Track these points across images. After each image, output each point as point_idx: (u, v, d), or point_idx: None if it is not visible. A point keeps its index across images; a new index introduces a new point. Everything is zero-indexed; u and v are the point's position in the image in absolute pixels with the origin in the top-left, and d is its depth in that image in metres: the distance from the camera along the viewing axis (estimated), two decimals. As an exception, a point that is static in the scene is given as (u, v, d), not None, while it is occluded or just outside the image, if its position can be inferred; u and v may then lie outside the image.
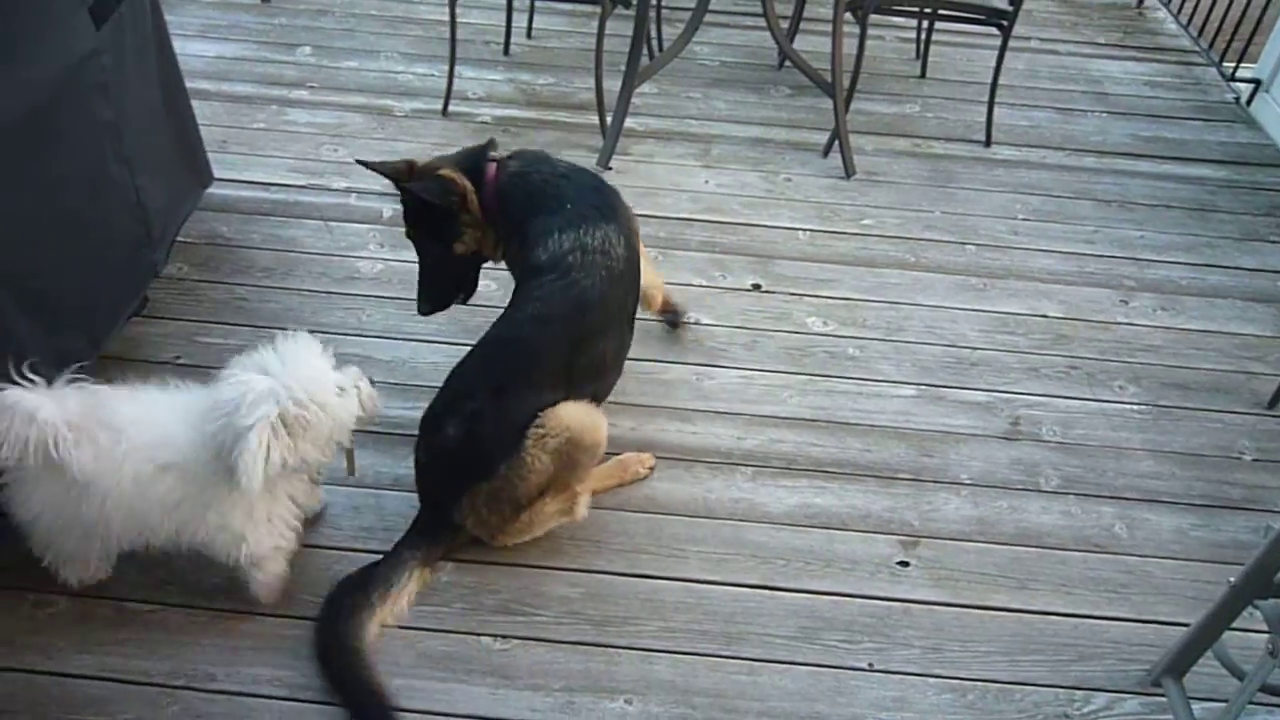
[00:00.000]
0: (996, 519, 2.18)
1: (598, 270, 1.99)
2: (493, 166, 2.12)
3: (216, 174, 2.87)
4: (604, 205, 2.10)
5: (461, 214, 2.10)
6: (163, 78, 2.48)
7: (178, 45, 2.57)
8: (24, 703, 1.74)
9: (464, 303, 2.31)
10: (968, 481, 2.26)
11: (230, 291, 2.63)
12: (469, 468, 1.92)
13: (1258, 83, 3.81)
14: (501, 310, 2.52)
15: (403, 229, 2.63)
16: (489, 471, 1.89)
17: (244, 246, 2.78)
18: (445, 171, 2.10)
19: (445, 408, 1.98)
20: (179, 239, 2.66)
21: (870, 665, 1.89)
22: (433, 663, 1.84)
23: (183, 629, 1.87)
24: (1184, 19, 4.36)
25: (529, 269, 2.03)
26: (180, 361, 2.41)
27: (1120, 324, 2.77)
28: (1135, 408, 2.50)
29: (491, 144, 2.19)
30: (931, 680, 1.87)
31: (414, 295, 2.44)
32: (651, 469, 2.20)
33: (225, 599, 1.91)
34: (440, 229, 2.13)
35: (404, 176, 2.12)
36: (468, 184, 2.09)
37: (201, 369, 2.38)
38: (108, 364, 2.35)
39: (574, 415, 1.92)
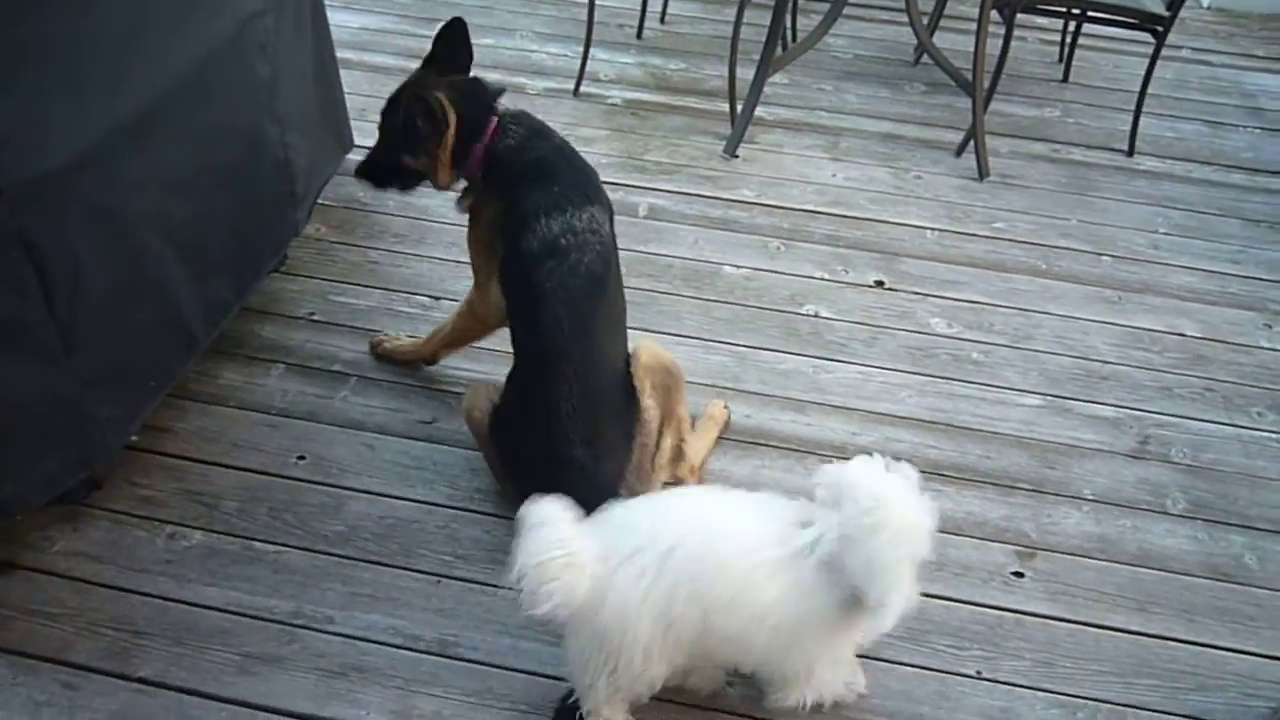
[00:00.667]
0: (1119, 537, 2.11)
1: (592, 246, 1.93)
2: (493, 122, 2.02)
3: (357, 141, 2.96)
4: (589, 186, 2.05)
5: (428, 142, 2.03)
6: (315, 43, 2.57)
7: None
8: (158, 626, 1.84)
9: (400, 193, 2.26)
10: (1090, 497, 2.19)
11: (364, 254, 2.72)
12: (602, 458, 1.86)
13: None
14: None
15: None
16: (624, 448, 1.91)
17: (379, 212, 2.87)
18: (441, 97, 2.01)
19: (556, 455, 1.85)
20: (319, 201, 2.76)
21: (978, 673, 1.85)
22: (541, 625, 1.84)
23: (305, 571, 1.95)
24: (1352, 33, 4.11)
25: (522, 257, 1.92)
26: (314, 318, 2.51)
27: (1263, 348, 2.63)
28: (1274, 435, 2.38)
29: (500, 91, 2.13)
30: (1040, 694, 1.83)
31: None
32: (726, 408, 2.27)
33: (346, 545, 1.99)
34: (401, 137, 2.06)
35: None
36: (452, 124, 2.00)
37: (333, 326, 2.49)
38: (248, 315, 2.47)
39: (647, 349, 2.01)
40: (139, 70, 1.85)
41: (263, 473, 2.13)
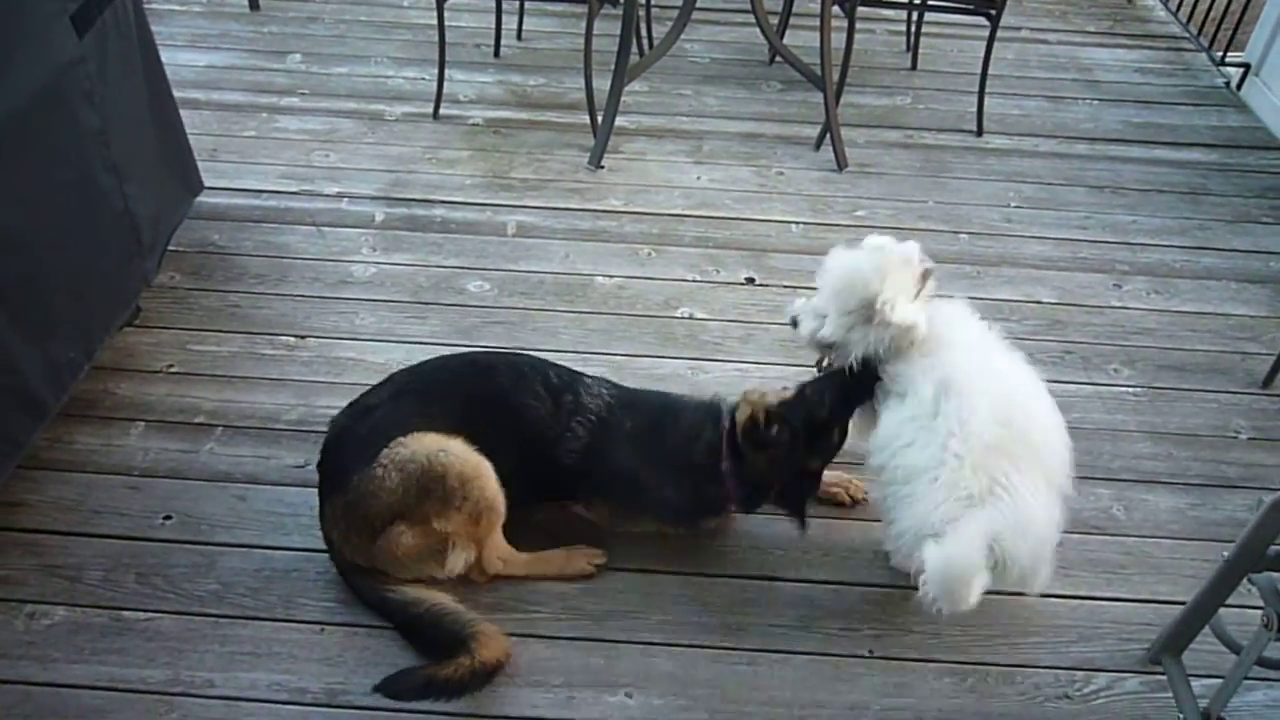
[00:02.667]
0: (994, 504, 2.17)
1: None
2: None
3: (208, 182, 2.88)
4: None
5: None
6: (150, 86, 2.48)
7: (167, 55, 2.58)
8: (20, 715, 1.74)
9: None
10: (965, 468, 2.25)
11: (223, 299, 2.63)
12: (330, 478, 1.90)
13: (1247, 67, 3.81)
14: (489, 309, 2.54)
15: (393, 232, 2.64)
16: (344, 483, 1.84)
17: (236, 254, 2.78)
18: None
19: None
20: (171, 247, 2.66)
21: (870, 652, 1.88)
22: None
23: (179, 636, 1.86)
24: (1173, 5, 4.37)
25: None
26: (173, 370, 2.41)
27: (1114, 308, 2.76)
28: (1131, 390, 2.50)
29: None
30: (931, 665, 1.87)
31: (407, 298, 2.48)
32: (599, 567, 1.99)
33: (221, 604, 1.91)
34: None
35: None
36: None
37: (193, 376, 2.39)
38: (101, 373, 2.36)
39: (435, 442, 1.83)
40: (-54, 129, 1.75)
41: (127, 538, 2.03)
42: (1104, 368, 2.56)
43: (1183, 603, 1.82)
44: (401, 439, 1.84)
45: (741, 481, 1.92)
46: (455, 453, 1.83)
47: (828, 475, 2.08)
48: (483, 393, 1.98)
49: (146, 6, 3.97)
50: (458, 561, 1.87)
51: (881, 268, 1.86)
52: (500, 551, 1.94)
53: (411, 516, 1.82)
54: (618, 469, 1.94)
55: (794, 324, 2.04)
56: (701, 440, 1.94)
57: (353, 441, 1.89)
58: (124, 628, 1.87)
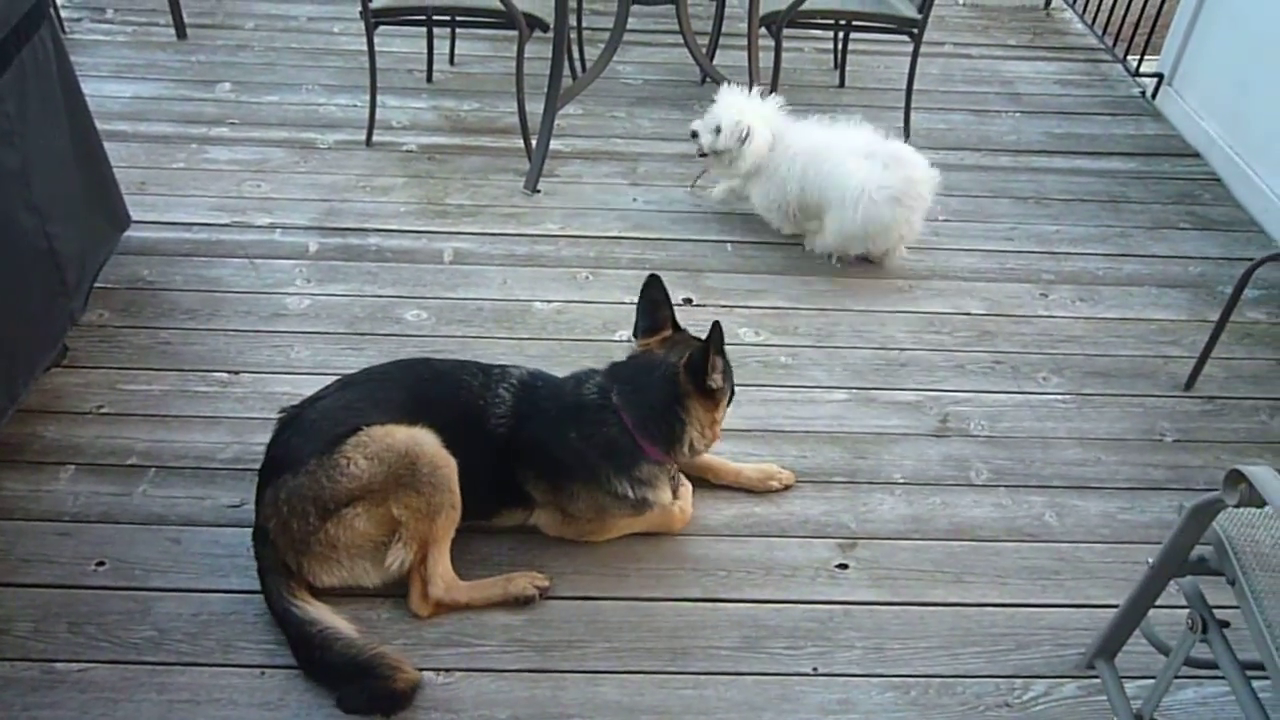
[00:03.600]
0: (930, 515, 2.22)
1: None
2: None
3: (136, 216, 2.83)
4: None
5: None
6: (72, 122, 2.44)
7: (92, 86, 2.54)
8: (-50, 776, 1.68)
9: None
10: (901, 481, 2.30)
11: (154, 336, 2.58)
12: (278, 461, 1.93)
13: (1160, 76, 3.94)
14: (427, 339, 2.53)
15: (328, 262, 2.63)
16: (296, 463, 1.87)
17: (167, 289, 2.73)
18: None
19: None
20: (97, 285, 2.61)
21: (814, 670, 1.90)
22: (376, 700, 1.81)
23: (115, 686, 1.82)
24: (1089, 18, 4.51)
25: None
26: (103, 411, 2.36)
27: (1041, 317, 2.84)
28: (1059, 397, 2.57)
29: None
30: (875, 680, 1.90)
31: (343, 329, 2.48)
32: (542, 590, 1.98)
33: (158, 651, 1.87)
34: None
35: None
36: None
37: (124, 417, 2.35)
38: (27, 416, 2.30)
39: (407, 432, 1.90)
40: None
41: (58, 586, 1.98)
42: (1033, 376, 2.63)
43: (1115, 606, 1.87)
44: (368, 430, 1.88)
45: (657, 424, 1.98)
46: (428, 443, 1.91)
47: (755, 472, 2.23)
48: (424, 374, 2.10)
49: (69, 36, 3.94)
50: (396, 558, 1.89)
51: (751, 106, 2.96)
52: (445, 573, 1.93)
53: (370, 499, 1.86)
54: (537, 428, 1.99)
55: (694, 135, 3.00)
56: (591, 380, 2.04)
57: (302, 427, 1.95)
58: (56, 680, 1.82)
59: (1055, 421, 2.49)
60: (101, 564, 2.03)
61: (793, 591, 2.04)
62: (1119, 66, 4.21)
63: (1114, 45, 4.27)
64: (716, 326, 1.91)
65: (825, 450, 2.36)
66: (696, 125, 2.98)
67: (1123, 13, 4.20)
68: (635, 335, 2.13)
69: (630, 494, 1.99)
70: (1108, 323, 2.83)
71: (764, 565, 2.09)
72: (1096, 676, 1.88)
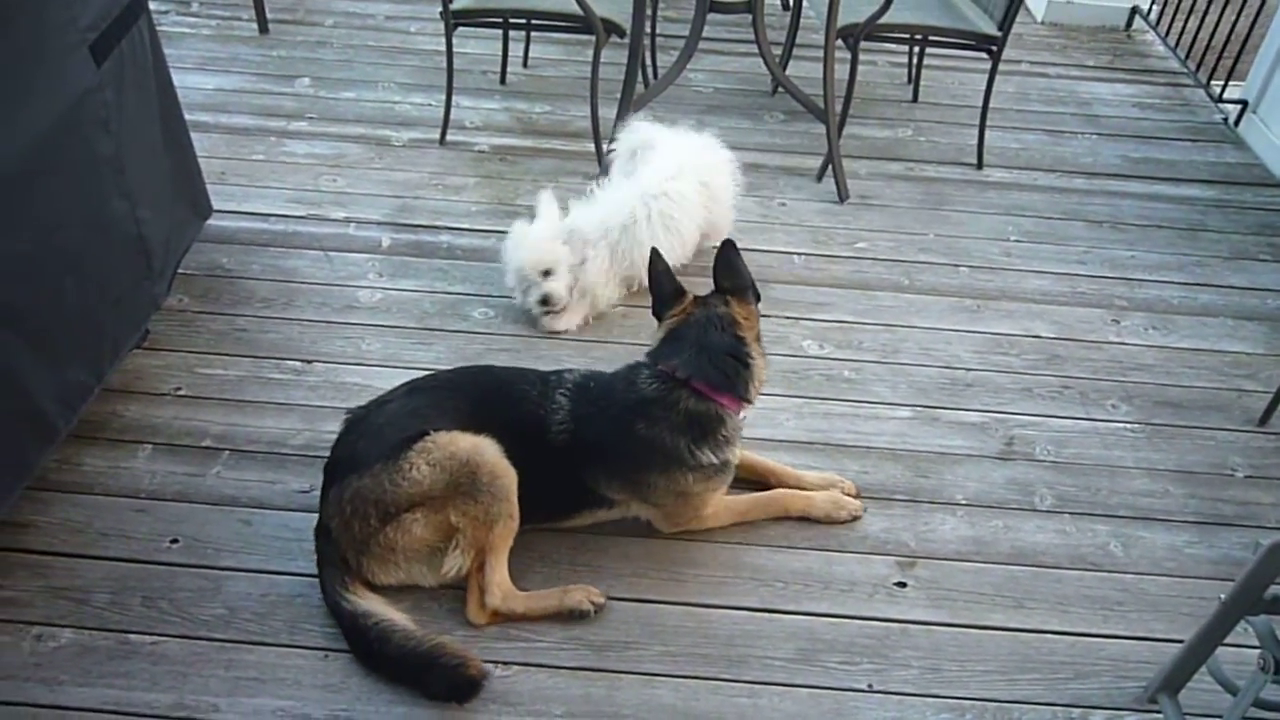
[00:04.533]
0: (992, 539, 2.20)
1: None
2: None
3: (216, 206, 2.90)
4: None
5: None
6: (163, 112, 2.51)
7: (177, 78, 2.60)
8: (27, 737, 1.75)
9: None
10: (963, 502, 2.28)
11: (230, 323, 2.65)
12: (344, 462, 1.98)
13: (1244, 103, 3.86)
14: (493, 336, 2.56)
15: (400, 258, 2.68)
16: (362, 466, 1.93)
17: (244, 277, 2.81)
18: None
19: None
20: (179, 271, 2.69)
21: (869, 686, 1.90)
22: (434, 690, 1.84)
23: (185, 660, 1.87)
24: (1172, 41, 4.42)
25: None
26: (181, 393, 2.43)
27: (1112, 343, 2.79)
28: (1128, 426, 2.52)
29: None
30: (930, 700, 1.88)
31: (413, 324, 2.53)
32: (597, 606, 1.98)
33: (226, 629, 1.92)
34: None
35: None
36: None
37: (201, 400, 2.42)
38: (110, 396, 2.38)
39: (471, 440, 1.93)
40: (-35, 157, 1.78)
41: (134, 560, 2.05)
42: (1102, 403, 2.58)
43: (1180, 641, 1.84)
44: (433, 436, 1.93)
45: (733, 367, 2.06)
46: (489, 453, 1.94)
47: (818, 479, 2.27)
48: (487, 384, 2.14)
49: (158, 29, 4.05)
50: (453, 565, 1.93)
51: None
52: (502, 582, 1.96)
53: (430, 505, 1.90)
54: (599, 428, 2.03)
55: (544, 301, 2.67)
56: (641, 371, 2.08)
57: (369, 430, 2.00)
58: (130, 651, 1.88)
59: (1123, 450, 2.45)
60: (175, 541, 2.09)
61: (850, 607, 2.04)
62: (1201, 91, 4.13)
63: (1197, 70, 4.18)
64: (730, 245, 2.15)
65: (887, 467, 2.35)
66: (549, 288, 2.64)
67: (1207, 37, 4.12)
68: (659, 313, 2.19)
69: (715, 459, 2.03)
70: (1181, 353, 2.77)
71: (822, 579, 2.09)
72: (1159, 711, 1.85)
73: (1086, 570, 2.15)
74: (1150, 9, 4.66)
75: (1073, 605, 2.07)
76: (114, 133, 2.22)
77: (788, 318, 2.79)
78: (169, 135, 2.56)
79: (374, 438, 1.97)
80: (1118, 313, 2.91)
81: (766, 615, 2.01)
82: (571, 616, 1.98)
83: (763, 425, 2.43)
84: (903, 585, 2.09)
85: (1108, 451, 2.45)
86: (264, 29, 4.10)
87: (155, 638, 1.91)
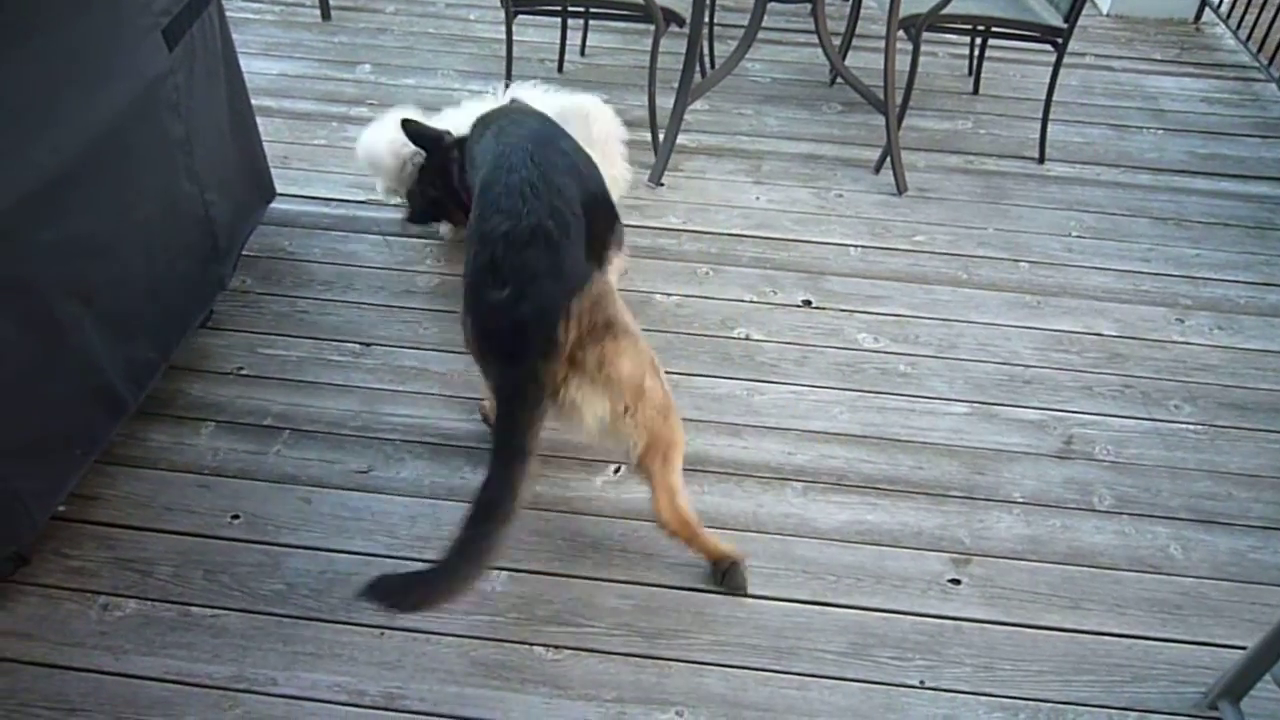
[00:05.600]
0: (1049, 538, 2.17)
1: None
2: None
3: (279, 189, 2.95)
4: None
5: None
6: (230, 96, 2.56)
7: (243, 63, 2.65)
8: (94, 702, 1.80)
9: None
10: (1020, 500, 2.25)
11: (291, 304, 2.70)
12: (572, 273, 1.74)
13: (1320, 98, 3.74)
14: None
15: (457, 243, 2.72)
16: (586, 275, 1.75)
17: (305, 260, 2.85)
18: None
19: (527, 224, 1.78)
20: (244, 253, 2.74)
21: (921, 683, 1.89)
22: (486, 670, 1.87)
23: (244, 634, 1.92)
24: (1243, 34, 4.30)
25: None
26: (243, 372, 2.48)
27: (1176, 343, 2.73)
28: (1191, 427, 2.47)
29: None
30: (983, 699, 1.87)
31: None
32: (737, 572, 2.01)
33: (285, 604, 1.97)
34: None
35: None
36: None
37: (262, 379, 2.46)
38: (175, 374, 2.43)
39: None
40: (47, 137, 1.82)
41: (197, 535, 2.10)
42: (1164, 403, 2.53)
43: (1242, 647, 1.81)
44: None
45: None
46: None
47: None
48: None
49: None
50: (630, 433, 1.80)
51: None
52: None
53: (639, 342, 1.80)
54: None
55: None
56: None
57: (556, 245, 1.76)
58: (192, 623, 1.93)
59: (1185, 452, 2.40)
60: (236, 517, 2.14)
61: (902, 602, 2.02)
62: (1272, 86, 4.01)
63: (1269, 64, 4.06)
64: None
65: (942, 463, 2.32)
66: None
67: (1281, 29, 4.00)
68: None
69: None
70: (1247, 354, 2.71)
71: (874, 573, 2.07)
72: (1218, 717, 1.82)
73: (1145, 572, 2.11)
74: (1220, 1, 4.54)
75: (1130, 607, 2.04)
76: (184, 116, 2.27)
77: (843, 310, 2.77)
78: (236, 119, 2.60)
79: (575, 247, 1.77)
80: (1182, 312, 2.85)
81: (818, 608, 2.01)
82: (716, 569, 2.00)
83: (817, 418, 2.42)
84: (957, 582, 2.07)
85: (1169, 453, 2.40)
86: (326, 15, 4.16)
87: (216, 611, 1.96)
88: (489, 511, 1.67)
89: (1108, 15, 4.62)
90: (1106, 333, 2.75)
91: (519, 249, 1.75)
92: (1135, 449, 2.40)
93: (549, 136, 2.09)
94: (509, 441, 1.69)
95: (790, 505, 2.20)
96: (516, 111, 2.34)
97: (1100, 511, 2.24)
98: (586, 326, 1.73)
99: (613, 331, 1.76)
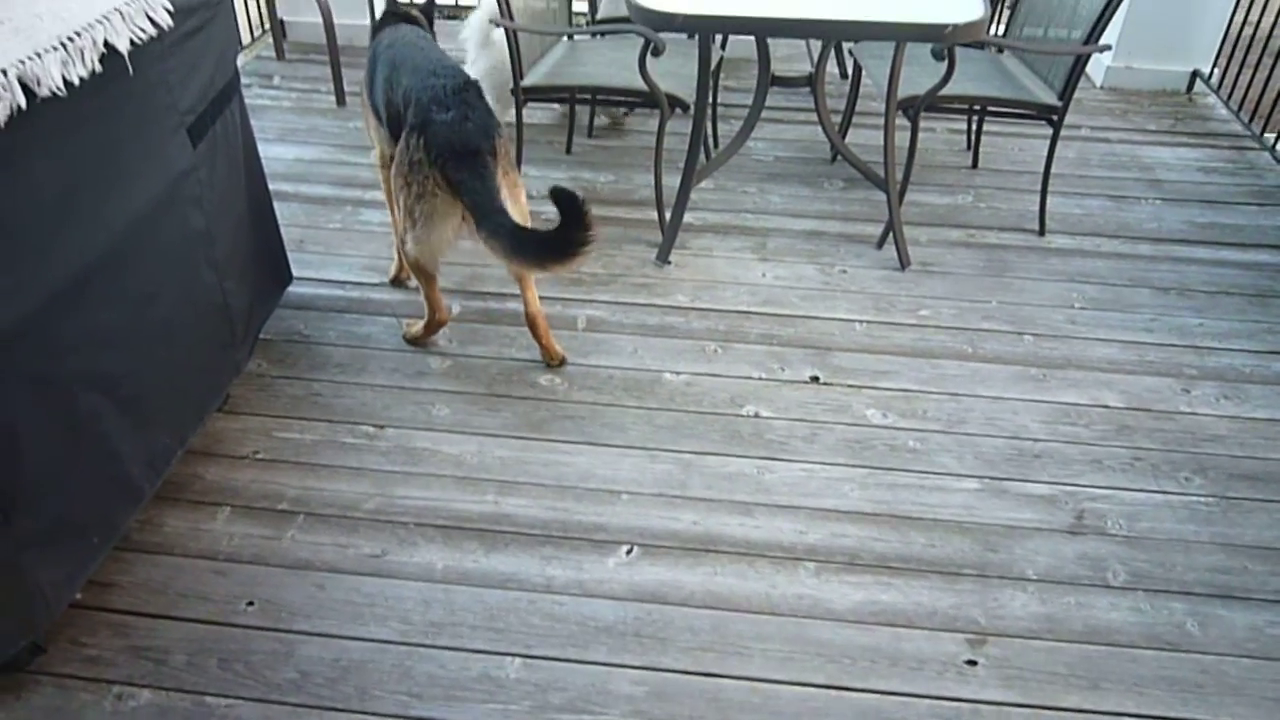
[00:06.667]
0: (1065, 616, 2.16)
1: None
2: None
3: (296, 272, 3.02)
4: None
5: None
6: (250, 185, 2.63)
7: (260, 149, 2.73)
8: (108, 794, 1.79)
9: None
10: (1034, 577, 2.25)
11: (306, 387, 2.74)
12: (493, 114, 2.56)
13: (1314, 168, 3.81)
14: (560, 403, 2.60)
15: (469, 325, 2.75)
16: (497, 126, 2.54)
17: (320, 343, 2.90)
18: None
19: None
20: (260, 336, 2.79)
21: (940, 768, 1.87)
22: (502, 759, 1.86)
23: (260, 723, 1.92)
24: (1234, 104, 4.40)
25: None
26: (259, 456, 2.51)
27: (1183, 414, 2.75)
28: (1203, 499, 2.47)
29: None
30: (1003, 784, 1.85)
31: (481, 390, 2.62)
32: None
33: (299, 693, 1.96)
34: None
35: None
36: None
37: (278, 463, 2.49)
38: (191, 458, 2.46)
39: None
40: (73, 236, 1.88)
41: (211, 622, 2.10)
42: (1175, 476, 2.54)
43: (1263, 728, 1.79)
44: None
45: None
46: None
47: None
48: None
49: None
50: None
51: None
52: None
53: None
54: None
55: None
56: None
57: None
58: (206, 713, 1.93)
59: (1198, 525, 2.40)
60: (251, 604, 2.15)
61: (919, 685, 2.01)
62: (1267, 154, 4.09)
63: (1261, 133, 4.15)
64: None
65: (954, 540, 2.33)
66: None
67: (1273, 98, 4.09)
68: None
69: None
70: (1255, 424, 2.72)
71: (890, 655, 2.07)
72: (1244, 802, 1.79)
73: (1163, 650, 2.10)
74: (1211, 73, 4.65)
75: (1150, 687, 2.02)
76: (206, 209, 2.33)
77: (850, 386, 2.79)
78: (254, 207, 2.68)
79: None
80: (1188, 382, 2.87)
81: (834, 692, 1.99)
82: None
83: (828, 496, 2.43)
84: (973, 663, 2.06)
85: (1182, 526, 2.40)
86: (341, 101, 4.27)
87: (230, 701, 1.95)
88: (517, 230, 2.38)
89: (1101, 87, 4.73)
90: (1113, 404, 2.77)
91: (456, 92, 2.50)
92: (1147, 522, 2.40)
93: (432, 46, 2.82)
94: (493, 204, 2.38)
95: (804, 586, 2.20)
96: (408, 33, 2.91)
97: (1115, 588, 2.23)
98: (504, 157, 2.52)
99: (513, 172, 2.62)
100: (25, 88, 1.68)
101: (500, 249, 2.34)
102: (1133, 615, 2.17)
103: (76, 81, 1.79)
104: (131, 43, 1.95)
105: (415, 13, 3.04)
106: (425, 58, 2.65)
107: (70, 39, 1.81)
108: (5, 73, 1.64)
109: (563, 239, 2.26)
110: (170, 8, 2.08)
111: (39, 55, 1.72)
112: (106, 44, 1.89)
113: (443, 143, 2.41)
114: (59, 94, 1.74)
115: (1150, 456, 2.60)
